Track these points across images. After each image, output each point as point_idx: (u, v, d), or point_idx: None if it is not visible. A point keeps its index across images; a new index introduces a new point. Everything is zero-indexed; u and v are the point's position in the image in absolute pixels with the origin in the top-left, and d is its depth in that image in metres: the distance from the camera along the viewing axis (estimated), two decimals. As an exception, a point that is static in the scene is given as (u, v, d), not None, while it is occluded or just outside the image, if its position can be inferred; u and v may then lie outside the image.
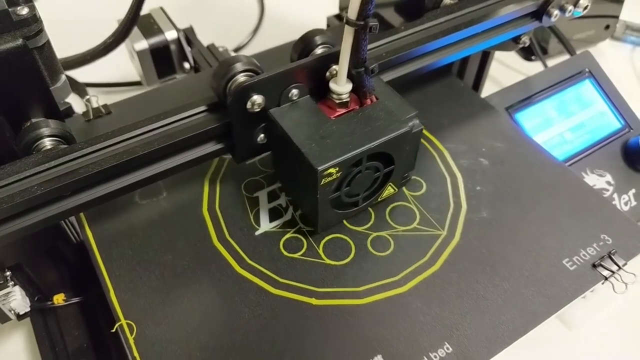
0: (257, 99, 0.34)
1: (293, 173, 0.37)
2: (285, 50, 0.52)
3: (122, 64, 0.65)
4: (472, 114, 0.48)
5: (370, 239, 0.39)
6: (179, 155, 0.35)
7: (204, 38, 0.63)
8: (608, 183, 0.52)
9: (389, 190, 0.39)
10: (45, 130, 0.33)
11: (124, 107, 0.49)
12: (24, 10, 0.31)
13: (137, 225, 0.39)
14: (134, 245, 0.38)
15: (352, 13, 0.31)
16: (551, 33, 0.69)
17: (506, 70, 0.73)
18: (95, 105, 0.47)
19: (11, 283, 0.40)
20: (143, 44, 0.57)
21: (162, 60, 0.58)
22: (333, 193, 0.35)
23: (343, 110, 0.36)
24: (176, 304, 0.35)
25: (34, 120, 0.34)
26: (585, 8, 0.45)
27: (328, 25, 0.69)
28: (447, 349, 0.33)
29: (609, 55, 0.76)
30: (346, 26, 0.31)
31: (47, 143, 0.33)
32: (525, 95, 0.54)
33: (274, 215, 0.40)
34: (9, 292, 0.40)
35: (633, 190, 0.52)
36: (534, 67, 0.72)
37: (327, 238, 0.39)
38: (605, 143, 0.54)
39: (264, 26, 0.81)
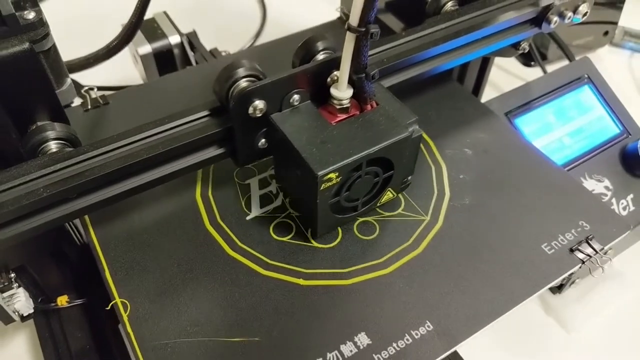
0: (259, 104, 0.34)
1: (293, 177, 0.38)
2: (290, 42, 0.53)
3: (126, 68, 0.65)
4: (472, 119, 0.48)
5: (356, 223, 0.40)
6: (181, 160, 0.35)
7: (207, 42, 0.63)
8: (606, 188, 0.52)
9: (388, 195, 0.40)
10: (51, 134, 0.34)
11: (122, 98, 0.50)
12: (30, 15, 0.32)
13: (136, 216, 0.41)
14: (134, 240, 0.39)
15: (354, 19, 0.31)
16: (550, 39, 0.70)
17: (506, 75, 0.74)
18: (93, 95, 0.48)
19: (15, 285, 0.40)
20: (146, 48, 0.57)
21: (165, 64, 0.59)
22: (333, 198, 0.36)
23: (344, 116, 0.36)
24: (171, 286, 0.36)
25: (39, 123, 0.34)
26: (585, 15, 0.45)
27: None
28: (428, 326, 0.35)
29: (607, 61, 0.77)
30: (347, 32, 0.32)
31: (53, 146, 0.34)
32: (525, 100, 0.54)
33: (264, 201, 0.42)
34: (13, 294, 0.40)
35: (631, 196, 0.53)
36: (533, 73, 0.73)
37: None
38: (603, 148, 0.54)
39: (266, 30, 0.81)
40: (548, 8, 0.44)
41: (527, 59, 0.75)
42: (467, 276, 0.37)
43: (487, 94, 0.58)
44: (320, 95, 0.37)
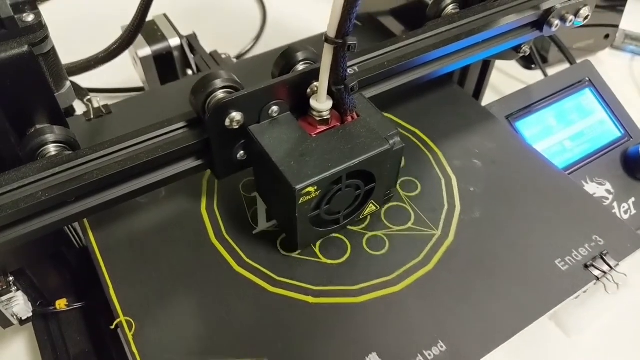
0: (236, 116, 0.33)
1: (272, 190, 0.37)
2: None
3: (126, 70, 0.65)
4: (473, 123, 0.48)
5: (365, 238, 0.39)
6: (155, 173, 0.35)
7: (207, 45, 0.63)
8: (608, 192, 0.52)
9: (371, 207, 0.39)
10: (49, 137, 0.33)
11: (124, 107, 0.50)
12: (29, 17, 0.31)
13: (138, 225, 0.40)
14: (135, 248, 0.39)
15: (331, 31, 0.30)
16: (551, 42, 0.70)
17: (506, 78, 0.74)
18: (95, 105, 0.48)
19: (14, 288, 0.40)
20: (146, 51, 0.57)
21: (165, 66, 0.59)
22: (312, 211, 0.35)
23: (324, 128, 0.35)
24: (175, 300, 0.36)
25: (38, 126, 0.34)
26: (586, 18, 0.45)
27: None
28: (441, 347, 0.34)
29: (608, 64, 0.77)
30: (325, 44, 0.31)
31: (52, 149, 0.33)
32: (526, 103, 0.54)
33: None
34: (11, 297, 0.40)
35: (633, 199, 0.53)
36: (534, 76, 0.73)
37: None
38: (605, 152, 0.54)
39: (266, 33, 0.81)
40: (549, 11, 0.44)
41: (527, 62, 0.75)
42: (479, 294, 0.36)
43: (487, 97, 0.58)
44: (301, 106, 0.36)
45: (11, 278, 0.40)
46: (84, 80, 0.60)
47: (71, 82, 0.37)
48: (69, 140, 0.34)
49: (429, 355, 0.33)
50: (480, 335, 0.34)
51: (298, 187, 0.32)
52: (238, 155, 0.37)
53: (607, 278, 0.37)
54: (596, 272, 0.37)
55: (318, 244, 0.39)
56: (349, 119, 0.36)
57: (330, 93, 0.34)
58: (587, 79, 0.57)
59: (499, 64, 0.71)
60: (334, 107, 0.35)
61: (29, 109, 0.34)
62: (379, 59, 0.40)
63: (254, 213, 0.41)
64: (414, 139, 0.47)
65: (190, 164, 0.36)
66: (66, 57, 0.41)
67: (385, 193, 0.39)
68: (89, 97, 0.48)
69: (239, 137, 0.36)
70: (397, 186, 0.42)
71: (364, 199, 0.37)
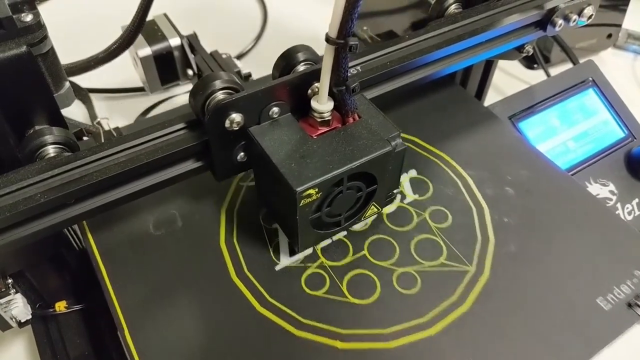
0: (236, 117, 0.33)
1: (273, 192, 0.36)
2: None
3: (125, 70, 0.64)
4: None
5: (395, 275, 0.37)
6: (153, 175, 0.34)
7: (207, 45, 0.63)
8: (611, 192, 0.52)
9: (373, 209, 0.38)
10: (48, 138, 0.33)
11: (136, 130, 0.49)
12: (28, 17, 0.31)
13: (151, 258, 0.38)
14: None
15: (333, 31, 0.30)
16: (554, 41, 0.70)
17: (508, 78, 0.73)
18: (106, 128, 0.47)
19: (13, 290, 0.40)
20: (146, 51, 0.57)
21: (165, 66, 0.58)
22: (313, 213, 0.34)
23: (325, 129, 0.35)
24: (187, 334, 0.34)
25: (37, 127, 0.34)
26: (590, 17, 0.45)
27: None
28: None
29: (611, 63, 0.76)
30: (326, 44, 0.31)
31: (51, 150, 0.33)
32: (529, 104, 0.53)
33: (294, 248, 0.39)
34: (10, 300, 0.40)
35: (636, 200, 0.52)
36: (536, 76, 0.72)
37: (350, 274, 0.37)
38: (608, 152, 0.54)
39: (267, 32, 0.81)
40: (553, 11, 0.43)
41: (529, 62, 0.75)
42: (519, 336, 0.34)
43: (489, 97, 0.57)
44: (301, 107, 0.36)
45: (10, 280, 0.40)
46: (84, 80, 0.60)
47: (71, 82, 0.36)
48: (68, 142, 0.34)
49: None
50: None
51: (299, 189, 0.31)
52: (238, 157, 0.36)
53: None
54: None
55: (345, 281, 0.37)
56: (350, 120, 0.36)
57: (331, 94, 0.34)
58: (591, 79, 0.56)
59: (500, 63, 0.71)
60: (335, 108, 0.35)
61: (28, 109, 0.33)
62: (380, 59, 0.39)
63: (276, 247, 0.39)
64: (432, 157, 0.45)
65: (190, 165, 0.35)
66: (66, 57, 0.40)
67: (387, 195, 0.39)
68: (98, 119, 0.47)
69: (239, 139, 0.35)
70: (427, 216, 0.41)
71: (365, 201, 0.37)
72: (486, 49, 0.43)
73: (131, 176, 0.33)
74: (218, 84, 0.33)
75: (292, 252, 0.38)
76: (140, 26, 0.45)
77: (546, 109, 0.54)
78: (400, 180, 0.41)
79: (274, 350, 0.34)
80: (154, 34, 0.59)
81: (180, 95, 0.68)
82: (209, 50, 0.62)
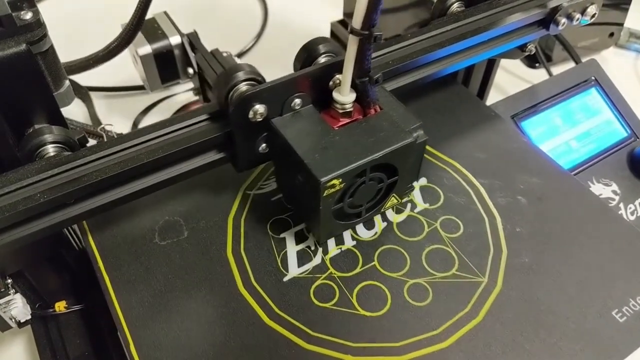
0: (259, 108, 0.33)
1: (295, 183, 0.36)
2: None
3: (126, 69, 0.64)
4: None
5: (406, 286, 0.36)
6: (180, 165, 0.35)
7: (208, 43, 0.63)
8: (614, 192, 0.52)
9: (392, 201, 0.39)
10: (48, 137, 0.33)
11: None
12: (27, 15, 0.31)
13: (153, 259, 0.38)
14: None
15: (357, 22, 0.30)
16: (556, 40, 0.69)
17: (509, 77, 0.73)
18: (111, 134, 0.46)
19: (12, 291, 0.39)
20: (147, 49, 0.57)
21: (165, 65, 0.58)
22: (336, 204, 0.35)
23: (346, 120, 0.35)
24: (193, 343, 0.34)
25: (37, 126, 0.34)
26: (593, 16, 0.45)
27: (332, 31, 0.69)
28: None
29: (613, 62, 0.76)
30: (350, 35, 0.31)
31: (50, 150, 0.33)
32: (531, 103, 0.53)
33: (302, 259, 0.38)
34: (10, 300, 0.39)
35: (639, 200, 0.52)
36: (538, 75, 0.72)
37: (360, 285, 0.36)
38: (611, 152, 0.54)
39: (267, 31, 0.81)
40: (556, 9, 0.43)
41: (531, 61, 0.74)
42: (533, 350, 0.33)
43: (491, 96, 0.57)
44: (322, 99, 0.36)
45: (9, 280, 0.39)
46: (84, 79, 0.60)
47: (70, 80, 0.36)
48: (67, 141, 0.34)
49: None
50: None
51: (323, 179, 0.32)
52: (260, 149, 0.37)
53: None
54: None
55: (355, 292, 0.36)
56: (372, 111, 0.36)
57: (353, 85, 0.34)
58: (593, 78, 0.56)
59: (501, 62, 0.70)
60: (356, 99, 0.35)
61: (27, 108, 0.33)
62: (382, 58, 0.39)
63: (284, 257, 0.38)
64: (442, 164, 0.44)
65: (212, 156, 0.36)
66: (65, 56, 0.40)
67: (407, 186, 0.39)
68: (102, 125, 0.47)
69: (261, 130, 0.36)
70: (438, 226, 0.40)
71: (386, 192, 0.37)
72: (488, 48, 0.43)
73: (128, 177, 0.33)
74: (241, 75, 0.34)
75: (300, 263, 0.38)
76: (140, 24, 0.45)
77: (549, 108, 0.54)
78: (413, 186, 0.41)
79: None
80: (154, 32, 0.58)
81: (180, 93, 0.68)
82: (209, 48, 0.62)
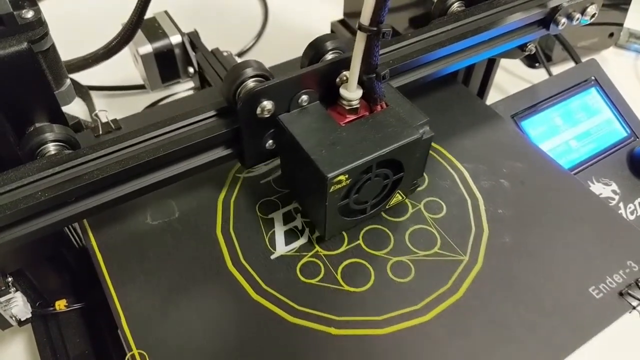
0: (267, 104, 0.34)
1: (301, 179, 0.37)
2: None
3: (126, 67, 0.64)
4: (481, 123, 0.47)
5: (390, 264, 0.37)
6: (186, 161, 0.35)
7: (208, 42, 0.63)
8: (614, 192, 0.52)
9: (397, 197, 0.39)
10: (49, 135, 0.33)
11: (134, 122, 0.49)
12: (29, 14, 0.31)
13: (148, 245, 0.38)
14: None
15: (365, 19, 0.30)
16: (555, 40, 0.69)
17: (509, 77, 0.73)
18: (104, 120, 0.46)
19: (13, 289, 0.40)
20: (147, 48, 0.57)
21: (166, 64, 0.58)
22: (341, 200, 0.35)
23: (353, 117, 0.36)
24: (186, 325, 0.34)
25: (38, 125, 0.34)
26: (593, 16, 0.45)
27: (332, 31, 0.69)
28: None
29: (612, 62, 0.76)
30: (358, 32, 0.31)
31: (51, 148, 0.33)
32: (531, 103, 0.53)
33: (290, 238, 0.39)
34: (10, 298, 0.40)
35: (639, 200, 0.52)
36: (538, 74, 0.72)
37: (345, 263, 0.37)
38: (611, 152, 0.54)
39: (267, 30, 0.81)
40: (556, 9, 0.43)
41: (531, 61, 0.74)
42: (511, 325, 0.34)
43: (491, 96, 0.57)
44: (329, 95, 0.36)
45: (10, 279, 0.39)
46: (84, 77, 0.60)
47: (71, 79, 0.36)
48: (68, 139, 0.34)
49: None
50: None
51: (330, 175, 0.32)
52: (267, 145, 0.37)
53: None
54: (632, 301, 0.35)
55: (340, 269, 0.37)
56: (378, 108, 0.36)
57: (359, 82, 0.34)
58: (593, 78, 0.56)
59: (501, 62, 0.70)
60: (363, 96, 0.35)
61: (28, 107, 0.33)
62: (382, 57, 0.39)
63: (272, 236, 0.39)
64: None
65: (219, 153, 0.36)
66: (66, 55, 0.40)
67: (412, 182, 0.39)
68: (96, 112, 0.47)
69: (268, 126, 0.36)
70: (422, 207, 0.41)
71: (391, 189, 0.38)
72: (489, 47, 0.43)
73: (130, 175, 0.33)
74: (249, 71, 0.34)
75: (287, 242, 0.39)
76: (139, 23, 0.45)
77: (549, 108, 0.54)
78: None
79: (269, 336, 0.34)
80: (154, 31, 0.58)
81: (180, 92, 0.68)
82: (210, 47, 0.62)
